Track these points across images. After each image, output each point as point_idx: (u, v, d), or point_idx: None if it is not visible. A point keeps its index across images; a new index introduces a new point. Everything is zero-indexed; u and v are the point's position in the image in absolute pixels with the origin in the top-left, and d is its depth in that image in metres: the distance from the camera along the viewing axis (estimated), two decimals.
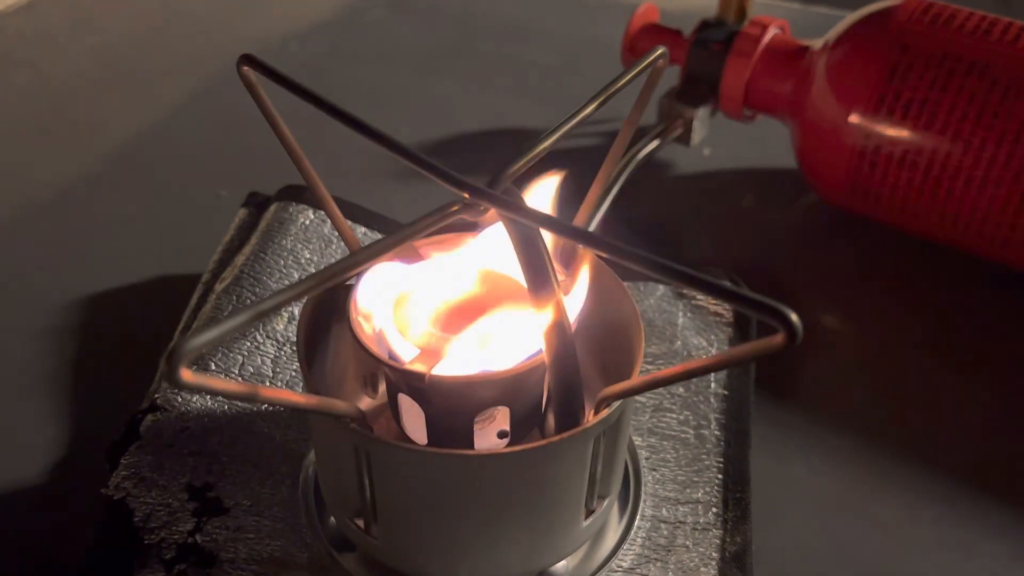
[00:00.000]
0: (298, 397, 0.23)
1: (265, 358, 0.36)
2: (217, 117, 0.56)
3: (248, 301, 0.37)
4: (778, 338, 0.20)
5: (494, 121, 0.56)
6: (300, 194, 0.41)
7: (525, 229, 0.25)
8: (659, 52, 0.29)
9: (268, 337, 0.36)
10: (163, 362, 0.19)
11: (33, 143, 0.54)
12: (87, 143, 0.53)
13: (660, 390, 0.36)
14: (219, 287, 0.38)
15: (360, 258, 0.23)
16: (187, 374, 0.19)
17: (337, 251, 0.40)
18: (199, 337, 0.19)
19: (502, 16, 0.68)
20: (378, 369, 0.32)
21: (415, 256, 0.29)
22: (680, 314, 0.39)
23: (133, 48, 0.64)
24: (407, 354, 0.27)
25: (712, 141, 0.53)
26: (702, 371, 0.23)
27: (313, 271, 0.39)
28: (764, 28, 0.47)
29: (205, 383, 0.20)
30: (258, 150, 0.52)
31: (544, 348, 0.25)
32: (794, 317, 0.20)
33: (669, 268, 0.21)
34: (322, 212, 0.41)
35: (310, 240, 0.40)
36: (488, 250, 0.29)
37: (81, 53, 0.63)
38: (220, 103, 0.57)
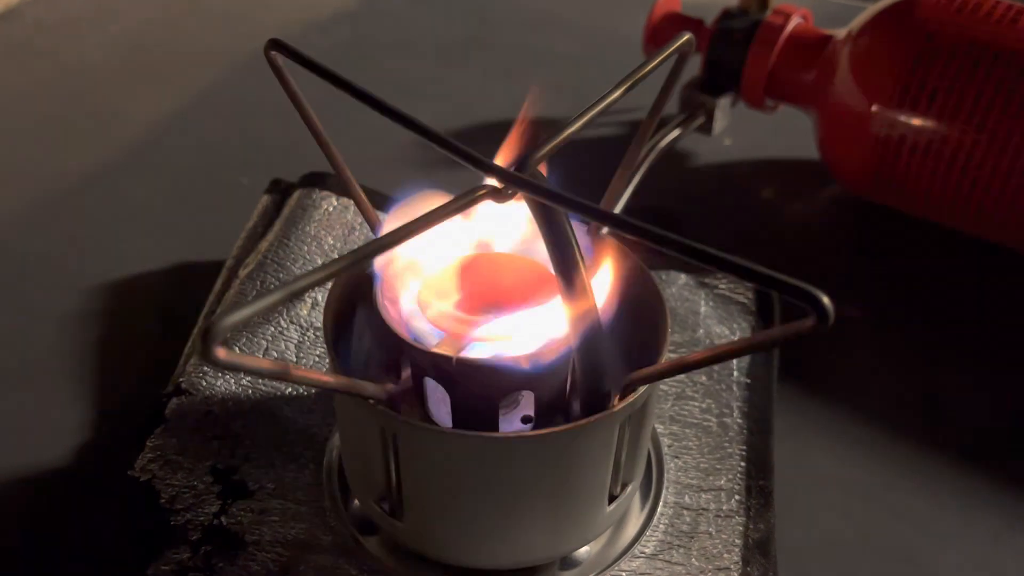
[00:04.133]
0: (327, 377, 0.24)
1: (289, 343, 0.36)
2: (238, 105, 0.56)
3: (272, 286, 0.37)
4: (808, 321, 0.20)
5: (513, 111, 0.56)
6: (323, 181, 0.42)
7: (553, 213, 0.25)
8: (686, 38, 0.29)
9: (292, 323, 0.37)
10: (198, 340, 0.19)
11: (55, 131, 0.54)
12: (108, 131, 0.54)
13: (682, 378, 0.36)
14: (243, 273, 0.38)
15: (390, 239, 0.23)
16: (221, 352, 0.19)
17: (360, 237, 0.40)
18: (233, 315, 0.19)
19: (521, 6, 0.68)
20: (402, 353, 0.32)
21: (441, 239, 0.29)
22: (702, 302, 0.39)
23: (153, 37, 0.64)
24: (433, 337, 0.27)
25: (733, 131, 0.53)
26: (731, 355, 0.23)
27: (336, 257, 0.39)
28: (787, 17, 0.47)
29: (239, 361, 0.20)
30: (279, 138, 0.52)
31: (572, 332, 0.25)
32: (825, 300, 0.20)
33: (699, 251, 0.21)
34: (345, 199, 0.41)
35: (333, 226, 0.40)
36: (512, 233, 0.30)
37: (101, 42, 0.63)
38: (240, 91, 0.57)
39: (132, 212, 0.47)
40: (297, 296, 0.20)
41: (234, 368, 0.20)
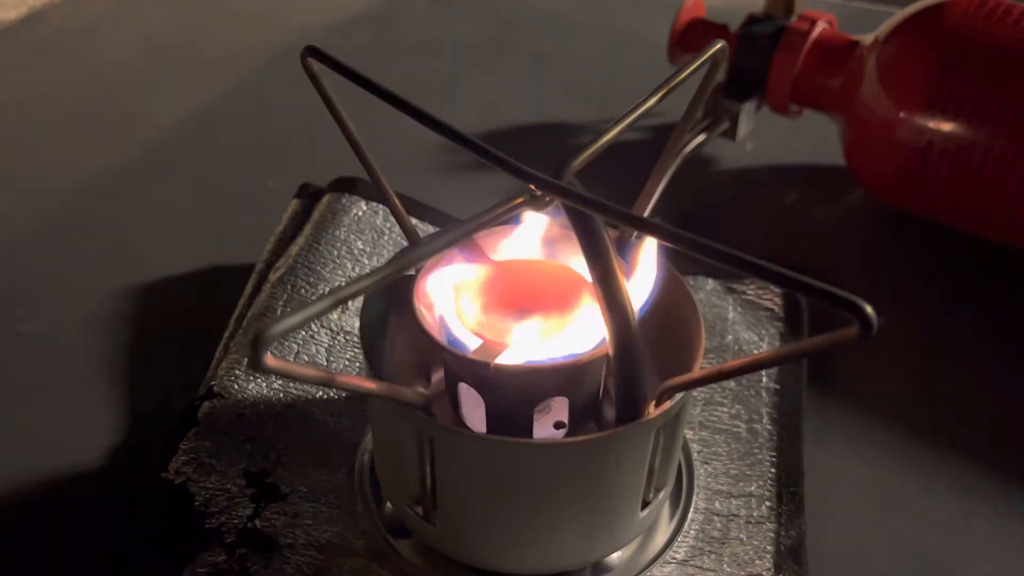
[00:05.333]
0: (369, 383, 0.24)
1: (320, 347, 0.36)
2: (261, 108, 0.56)
3: (302, 291, 0.38)
4: (852, 330, 0.20)
5: (535, 115, 0.57)
6: (353, 185, 0.42)
7: (590, 221, 0.25)
8: (719, 46, 0.29)
9: (322, 326, 0.37)
10: (247, 347, 0.19)
11: (80, 134, 0.54)
12: (132, 133, 0.54)
13: (711, 384, 0.36)
14: (273, 277, 0.38)
15: (433, 247, 0.23)
16: (271, 359, 0.19)
17: (389, 242, 0.40)
18: (282, 323, 0.19)
19: (543, 10, 0.68)
20: (434, 358, 0.32)
21: (476, 246, 0.29)
22: (730, 309, 0.39)
23: (177, 39, 0.64)
24: (469, 343, 0.27)
25: (756, 136, 0.53)
26: (771, 363, 0.23)
27: (366, 262, 0.39)
28: (813, 23, 0.47)
29: (287, 368, 0.20)
30: (302, 140, 0.53)
31: (609, 339, 0.25)
32: (869, 309, 0.20)
33: (739, 259, 0.21)
34: (374, 203, 0.41)
35: (363, 231, 0.40)
36: (547, 242, 0.30)
37: (124, 44, 0.63)
38: (263, 94, 0.58)
39: (158, 214, 0.48)
40: (344, 302, 0.20)
41: (282, 374, 0.20)
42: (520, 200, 0.26)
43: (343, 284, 0.21)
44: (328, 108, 0.30)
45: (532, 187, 0.25)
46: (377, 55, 0.61)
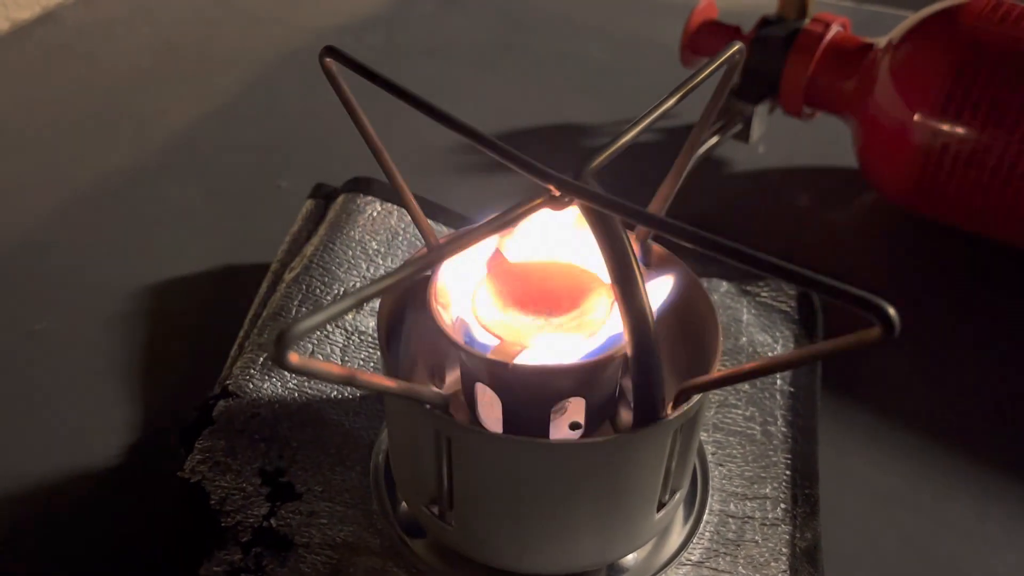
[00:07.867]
0: (389, 382, 0.24)
1: (334, 347, 0.36)
2: (274, 108, 0.57)
3: (317, 290, 0.38)
4: (874, 331, 0.20)
5: (547, 117, 0.57)
6: (367, 186, 0.42)
7: (610, 221, 0.25)
8: (736, 47, 0.29)
9: (337, 326, 0.37)
10: (272, 344, 0.19)
11: (92, 134, 0.54)
12: (145, 134, 0.54)
13: (728, 386, 0.36)
14: (288, 276, 0.38)
15: (451, 247, 0.23)
16: (295, 357, 0.19)
17: (403, 242, 0.40)
18: (306, 321, 0.19)
19: (554, 12, 0.68)
20: (448, 359, 0.32)
21: (494, 247, 0.29)
22: (745, 310, 0.39)
23: (189, 40, 0.65)
24: (487, 343, 0.27)
25: (768, 138, 0.53)
26: (790, 364, 0.23)
27: (381, 262, 0.39)
28: (827, 25, 0.47)
29: (310, 366, 0.20)
30: (316, 141, 0.53)
31: (628, 340, 0.25)
32: (891, 311, 0.20)
33: (760, 259, 0.21)
34: (389, 204, 0.41)
35: (377, 231, 0.40)
36: (564, 242, 0.30)
37: (138, 44, 0.64)
38: (276, 95, 0.58)
39: (172, 214, 0.48)
40: (366, 301, 0.20)
41: (305, 373, 0.20)
42: (538, 201, 0.26)
43: (363, 284, 0.21)
44: (346, 108, 0.30)
45: (551, 188, 0.25)
46: (389, 57, 0.62)
